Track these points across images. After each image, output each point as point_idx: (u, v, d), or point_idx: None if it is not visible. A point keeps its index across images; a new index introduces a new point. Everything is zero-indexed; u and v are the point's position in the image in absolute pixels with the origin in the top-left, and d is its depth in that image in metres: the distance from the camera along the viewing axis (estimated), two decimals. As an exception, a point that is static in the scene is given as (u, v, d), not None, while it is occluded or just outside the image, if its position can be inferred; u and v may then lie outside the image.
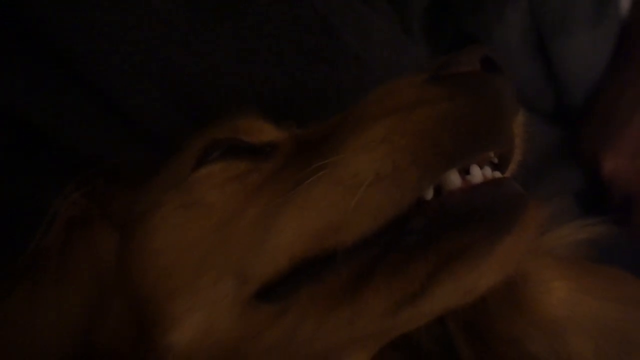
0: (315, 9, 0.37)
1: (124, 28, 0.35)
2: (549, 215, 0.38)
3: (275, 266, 0.28)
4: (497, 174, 0.27)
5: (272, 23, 0.37)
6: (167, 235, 0.32)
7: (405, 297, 0.26)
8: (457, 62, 0.27)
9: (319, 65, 0.39)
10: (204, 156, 0.34)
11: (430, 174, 0.25)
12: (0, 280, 0.33)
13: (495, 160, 0.28)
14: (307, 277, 0.27)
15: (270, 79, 0.38)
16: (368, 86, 0.30)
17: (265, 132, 0.36)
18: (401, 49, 0.42)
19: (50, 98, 0.35)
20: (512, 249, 0.25)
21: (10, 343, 0.32)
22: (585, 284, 0.32)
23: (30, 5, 0.35)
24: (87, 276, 0.34)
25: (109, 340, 0.33)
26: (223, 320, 0.29)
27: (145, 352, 0.32)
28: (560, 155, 0.56)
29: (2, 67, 0.35)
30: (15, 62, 0.35)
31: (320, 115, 0.35)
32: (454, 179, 0.26)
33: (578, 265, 0.34)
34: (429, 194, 0.26)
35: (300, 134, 0.35)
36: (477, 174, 0.26)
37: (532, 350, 0.32)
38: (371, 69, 0.40)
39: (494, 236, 0.24)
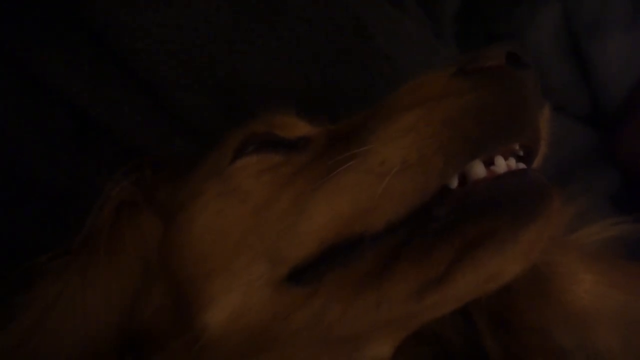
0: (349, 11, 0.39)
1: (172, 29, 0.38)
2: (577, 213, 0.38)
3: (306, 250, 0.29)
4: (522, 165, 0.28)
5: (308, 24, 0.39)
6: (206, 221, 0.35)
7: (429, 281, 0.27)
8: (484, 57, 0.28)
9: (352, 65, 0.41)
10: (242, 149, 0.36)
11: (455, 163, 0.26)
12: (56, 257, 0.36)
13: (521, 153, 0.29)
14: (335, 261, 0.29)
15: (305, 77, 0.40)
16: (398, 85, 0.32)
17: (299, 127, 0.38)
18: (432, 51, 0.43)
19: (107, 91, 0.39)
20: (536, 238, 0.26)
21: (65, 317, 0.35)
22: (613, 278, 0.33)
23: (95, 9, 0.38)
24: (133, 259, 0.37)
25: (150, 319, 0.36)
26: (256, 300, 0.31)
27: (182, 331, 0.34)
28: (594, 157, 0.55)
29: (66, 62, 0.38)
30: (78, 58, 0.39)
31: (352, 113, 0.37)
32: (479, 169, 0.27)
33: (606, 261, 0.34)
34: (454, 183, 0.27)
35: (332, 129, 0.36)
36: (502, 165, 0.27)
37: (559, 341, 0.32)
38: (402, 69, 0.42)
39: (518, 224, 0.25)
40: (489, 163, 0.27)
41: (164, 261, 0.36)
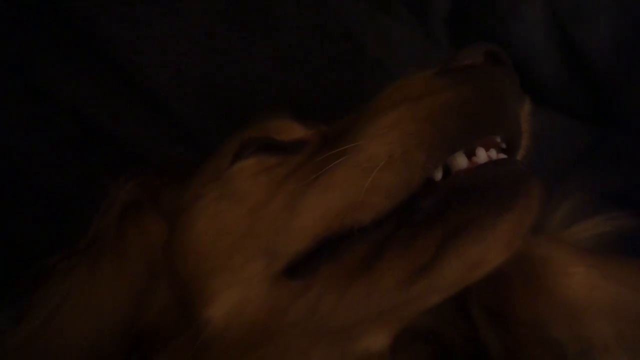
0: (338, 19, 0.41)
1: (169, 41, 0.40)
2: (572, 210, 0.39)
3: (299, 245, 0.31)
4: (502, 156, 0.29)
5: (300, 33, 0.41)
6: (207, 222, 0.36)
7: (416, 269, 0.28)
8: (462, 57, 0.30)
9: (343, 71, 0.42)
10: (240, 153, 0.38)
11: (437, 156, 0.28)
12: (64, 259, 0.38)
13: (503, 145, 0.30)
14: (327, 254, 0.30)
15: (298, 84, 0.42)
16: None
17: (295, 131, 0.39)
18: (423, 55, 0.45)
19: (110, 101, 0.41)
20: (516, 224, 0.27)
21: (73, 316, 0.37)
22: (606, 270, 0.33)
23: (95, 25, 0.41)
24: (138, 260, 0.38)
25: (155, 319, 0.37)
26: (254, 295, 0.32)
27: (186, 328, 0.35)
28: (589, 154, 0.55)
29: (71, 73, 0.41)
30: (82, 69, 0.41)
31: (345, 116, 0.39)
32: (461, 161, 0.28)
33: (599, 255, 0.35)
34: (438, 176, 0.28)
35: (325, 130, 0.38)
36: (483, 156, 0.28)
37: (553, 334, 0.33)
38: (394, 74, 0.43)
39: (498, 210, 0.26)
40: (471, 155, 0.28)
41: (167, 262, 0.38)
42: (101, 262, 0.38)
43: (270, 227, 0.33)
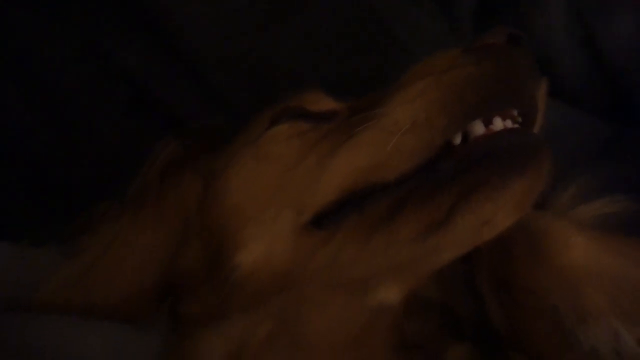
0: (371, 6, 0.45)
1: (214, 18, 0.45)
2: (577, 193, 0.41)
3: (327, 197, 0.34)
4: (517, 126, 0.32)
5: (333, 17, 0.45)
6: (242, 180, 0.40)
7: (432, 223, 0.31)
8: (487, 38, 0.33)
9: (372, 56, 0.46)
10: (275, 120, 0.42)
11: (457, 122, 0.31)
12: (112, 206, 0.42)
13: (519, 119, 0.33)
14: (352, 208, 0.33)
15: (329, 65, 0.46)
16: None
17: (326, 103, 0.43)
18: (447, 44, 0.47)
19: (159, 68, 0.46)
20: (525, 188, 0.30)
21: (118, 258, 0.41)
22: (605, 244, 0.35)
23: (150, 1, 0.46)
24: (175, 213, 0.42)
25: (188, 268, 0.41)
26: (281, 245, 0.35)
27: (215, 275, 0.38)
28: (606, 149, 0.56)
29: (127, 40, 0.46)
30: (136, 37, 0.46)
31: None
32: (479, 128, 0.31)
33: (599, 231, 0.37)
34: (457, 140, 0.31)
35: (354, 103, 0.41)
36: (498, 124, 0.31)
37: (552, 301, 0.35)
38: (419, 61, 0.47)
39: (510, 173, 0.29)
40: (488, 124, 0.31)
41: (202, 217, 0.41)
42: (143, 213, 0.42)
43: (300, 184, 0.36)
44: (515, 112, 0.32)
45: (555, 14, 0.52)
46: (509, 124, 0.31)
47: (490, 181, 0.29)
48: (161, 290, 0.42)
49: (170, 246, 0.41)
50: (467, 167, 0.30)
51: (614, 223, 0.39)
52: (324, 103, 0.42)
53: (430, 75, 0.33)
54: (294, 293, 0.36)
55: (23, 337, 0.36)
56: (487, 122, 0.31)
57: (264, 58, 0.47)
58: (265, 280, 0.36)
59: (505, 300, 0.38)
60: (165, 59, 0.46)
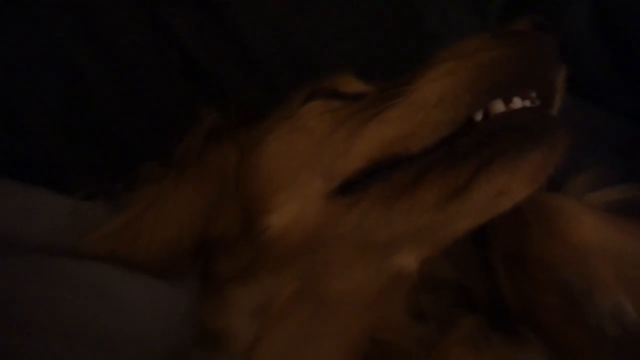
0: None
1: (264, 3, 0.49)
2: (589, 181, 0.43)
3: (355, 165, 0.37)
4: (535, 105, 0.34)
5: (368, 3, 0.48)
6: (277, 149, 0.43)
7: (452, 190, 0.34)
8: (514, 24, 0.35)
9: (402, 43, 0.49)
10: (309, 98, 0.45)
11: (480, 100, 0.34)
12: (158, 167, 0.46)
13: (538, 102, 0.35)
14: (377, 176, 0.36)
15: (363, 48, 0.49)
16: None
17: (357, 86, 0.46)
18: (476, 33, 0.50)
19: (210, 42, 0.50)
20: (540, 161, 0.32)
21: (159, 215, 0.45)
22: (613, 223, 0.37)
23: None
24: (214, 178, 0.46)
25: (223, 228, 0.44)
26: (310, 209, 0.38)
27: (248, 235, 0.42)
28: (627, 149, 0.57)
29: (180, 15, 0.50)
30: (191, 11, 0.50)
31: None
32: (499, 106, 0.34)
33: (607, 212, 0.39)
34: (479, 117, 0.34)
35: (383, 86, 0.44)
36: (518, 103, 0.34)
37: (562, 275, 0.37)
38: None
39: (526, 146, 0.32)
40: (508, 102, 0.34)
41: (238, 183, 0.45)
42: (184, 176, 0.46)
43: (330, 154, 0.39)
44: (534, 94, 0.35)
45: (580, 11, 0.54)
46: (527, 104, 0.34)
47: (507, 153, 0.32)
48: (195, 250, 0.46)
49: (207, 208, 0.45)
50: (487, 141, 0.33)
51: (621, 209, 0.41)
52: (354, 85, 0.46)
53: (458, 56, 0.35)
54: (320, 255, 0.39)
55: (69, 274, 0.40)
56: (507, 102, 0.34)
57: (303, 39, 0.51)
58: (294, 242, 0.39)
59: (516, 273, 0.40)
60: (215, 32, 0.51)
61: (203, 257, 0.46)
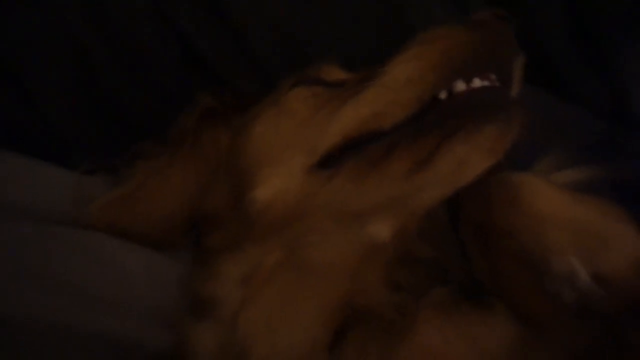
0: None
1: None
2: (552, 162, 0.47)
3: (333, 141, 0.40)
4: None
5: (355, 3, 0.52)
6: (264, 129, 0.47)
7: (417, 162, 0.37)
8: (477, 15, 0.39)
9: (389, 41, 0.53)
10: (295, 85, 0.49)
11: (444, 80, 0.37)
12: (155, 144, 0.50)
13: (497, 83, 0.39)
14: (352, 151, 0.40)
15: (347, 44, 0.53)
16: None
17: (339, 74, 0.50)
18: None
19: (208, 28, 0.54)
20: (497, 133, 0.36)
21: (156, 189, 0.48)
22: (572, 197, 0.41)
23: None
24: (207, 156, 0.49)
25: (215, 203, 0.48)
26: (293, 183, 0.42)
27: (238, 209, 0.45)
28: (600, 147, 0.60)
29: (181, 6, 0.55)
30: (189, 4, 0.55)
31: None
32: (461, 86, 0.37)
33: (566, 188, 0.42)
34: (443, 96, 0.38)
35: (362, 73, 0.48)
36: (477, 82, 0.37)
37: (522, 242, 0.39)
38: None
39: (483, 120, 0.36)
40: (469, 83, 0.38)
41: (228, 162, 0.49)
42: (180, 154, 0.49)
43: (312, 132, 0.42)
44: (493, 77, 0.38)
45: (554, 11, 0.57)
46: (486, 84, 0.38)
47: (466, 126, 0.36)
48: (189, 224, 0.49)
49: (201, 184, 0.49)
50: (449, 116, 0.37)
51: (581, 188, 0.45)
52: (337, 74, 0.49)
53: (425, 42, 0.39)
54: (301, 225, 0.42)
55: (71, 240, 0.44)
56: (469, 82, 0.38)
57: (294, 29, 0.55)
58: (278, 213, 0.42)
59: (483, 244, 0.43)
60: (216, 22, 0.55)
61: (196, 231, 0.50)
